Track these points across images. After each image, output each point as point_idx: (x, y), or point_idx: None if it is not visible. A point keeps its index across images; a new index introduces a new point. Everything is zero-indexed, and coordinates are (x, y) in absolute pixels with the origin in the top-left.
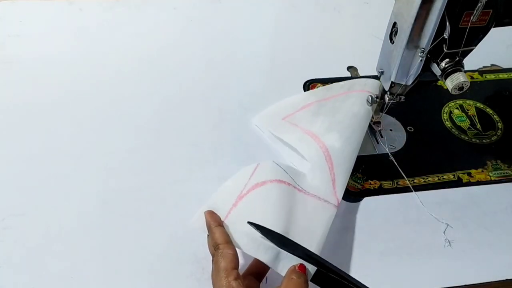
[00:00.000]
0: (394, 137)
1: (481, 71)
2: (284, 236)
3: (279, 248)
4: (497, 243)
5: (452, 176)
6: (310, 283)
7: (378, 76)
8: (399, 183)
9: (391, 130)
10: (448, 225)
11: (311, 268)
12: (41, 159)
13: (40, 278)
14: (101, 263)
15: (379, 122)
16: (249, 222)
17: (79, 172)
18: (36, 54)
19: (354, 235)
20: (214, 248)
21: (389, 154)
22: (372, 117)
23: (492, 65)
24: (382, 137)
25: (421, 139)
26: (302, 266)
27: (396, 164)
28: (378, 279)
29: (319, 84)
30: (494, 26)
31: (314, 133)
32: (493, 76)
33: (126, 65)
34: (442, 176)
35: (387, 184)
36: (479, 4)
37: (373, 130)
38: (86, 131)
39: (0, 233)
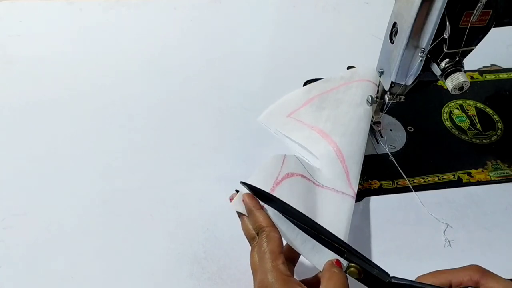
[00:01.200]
0: (394, 137)
1: (481, 71)
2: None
3: (314, 241)
4: (497, 243)
5: (452, 176)
6: None
7: (378, 76)
8: (399, 183)
9: (391, 130)
10: (448, 225)
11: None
12: (41, 159)
13: (40, 278)
14: (101, 263)
15: (379, 122)
16: (241, 182)
17: (79, 171)
18: (36, 54)
19: (354, 235)
20: (257, 231)
21: (389, 154)
22: (372, 117)
23: (492, 65)
24: (382, 137)
25: (421, 139)
26: (338, 262)
27: (396, 164)
28: None
29: None
30: (494, 26)
31: (321, 129)
32: (493, 76)
33: (126, 65)
34: (442, 176)
35: (387, 184)
36: (479, 4)
37: (373, 130)
38: (86, 131)
39: (0, 233)
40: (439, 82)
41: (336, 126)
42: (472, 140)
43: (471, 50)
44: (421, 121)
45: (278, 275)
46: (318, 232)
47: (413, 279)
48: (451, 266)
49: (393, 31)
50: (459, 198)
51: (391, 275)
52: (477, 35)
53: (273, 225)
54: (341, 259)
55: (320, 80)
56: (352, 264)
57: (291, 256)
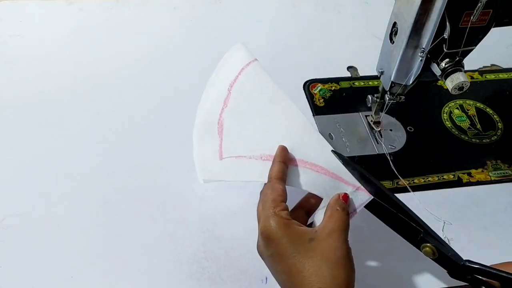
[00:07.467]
0: (394, 137)
1: (481, 71)
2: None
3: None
4: (497, 243)
5: (452, 176)
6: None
7: (378, 76)
8: (399, 183)
9: (391, 130)
10: (445, 222)
11: (365, 197)
12: (41, 158)
13: (40, 278)
14: (101, 263)
15: (379, 122)
16: (332, 151)
17: (79, 172)
18: (36, 54)
19: (354, 235)
20: (268, 180)
21: (386, 154)
22: (372, 116)
23: (492, 65)
24: (382, 137)
25: (421, 139)
26: (345, 196)
27: (392, 164)
28: (378, 279)
29: (319, 84)
30: (494, 26)
31: (260, 155)
32: (493, 76)
33: (126, 65)
34: (442, 176)
35: (387, 184)
36: (479, 4)
37: (373, 130)
38: (87, 131)
39: (0, 233)
40: (439, 82)
41: (265, 139)
42: (472, 140)
43: (471, 50)
44: (421, 121)
45: (278, 220)
46: (397, 210)
47: (413, 279)
48: None
49: (393, 31)
50: (459, 198)
51: (464, 259)
52: (477, 35)
53: (281, 178)
54: (361, 191)
55: (201, 107)
56: (428, 244)
57: (308, 207)
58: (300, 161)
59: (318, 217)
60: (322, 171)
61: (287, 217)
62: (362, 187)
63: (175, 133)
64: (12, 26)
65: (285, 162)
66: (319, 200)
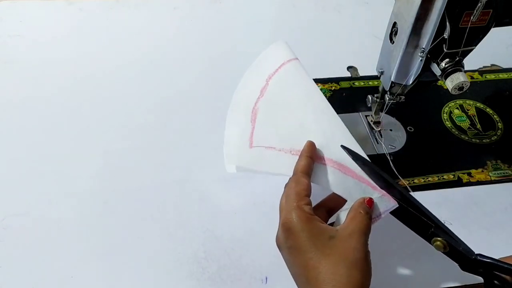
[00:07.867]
0: (394, 137)
1: (481, 71)
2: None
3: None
4: (497, 243)
5: (452, 176)
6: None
7: (378, 76)
8: (399, 183)
9: (391, 130)
10: (445, 222)
11: (390, 204)
12: (41, 158)
13: (40, 278)
14: (101, 263)
15: (379, 122)
16: (342, 146)
17: (80, 171)
18: (36, 54)
19: None
20: (293, 174)
21: (386, 153)
22: (372, 116)
23: (492, 65)
24: (382, 137)
25: (421, 139)
26: (370, 201)
27: (392, 164)
28: (379, 279)
29: (319, 84)
30: (494, 26)
31: (295, 149)
32: (493, 76)
33: (126, 65)
34: (442, 176)
35: None
36: (479, 4)
37: (373, 130)
38: (86, 131)
39: (0, 233)
40: (439, 82)
41: (297, 134)
42: (472, 140)
43: (471, 50)
44: (421, 121)
45: (301, 214)
46: (408, 204)
47: (413, 279)
48: (451, 266)
49: (393, 31)
50: (459, 198)
51: (476, 253)
52: (477, 35)
53: (307, 172)
54: (386, 197)
55: (238, 93)
56: (439, 238)
57: (330, 206)
58: (328, 160)
59: (341, 218)
60: (350, 173)
61: (310, 212)
62: (387, 194)
63: (175, 133)
64: (12, 26)
65: (312, 158)
66: (342, 201)
